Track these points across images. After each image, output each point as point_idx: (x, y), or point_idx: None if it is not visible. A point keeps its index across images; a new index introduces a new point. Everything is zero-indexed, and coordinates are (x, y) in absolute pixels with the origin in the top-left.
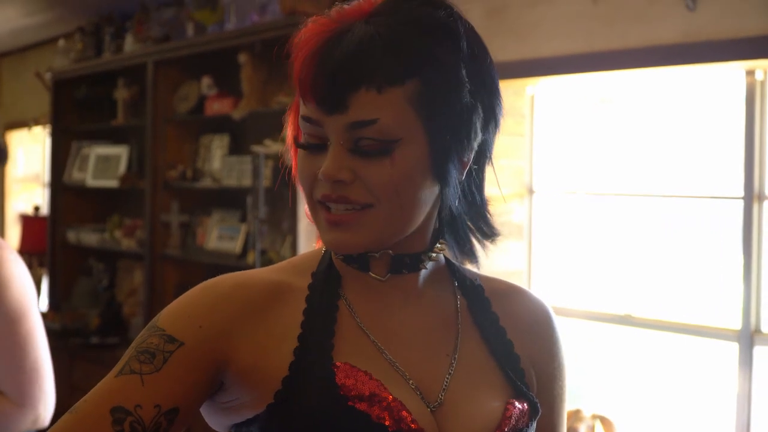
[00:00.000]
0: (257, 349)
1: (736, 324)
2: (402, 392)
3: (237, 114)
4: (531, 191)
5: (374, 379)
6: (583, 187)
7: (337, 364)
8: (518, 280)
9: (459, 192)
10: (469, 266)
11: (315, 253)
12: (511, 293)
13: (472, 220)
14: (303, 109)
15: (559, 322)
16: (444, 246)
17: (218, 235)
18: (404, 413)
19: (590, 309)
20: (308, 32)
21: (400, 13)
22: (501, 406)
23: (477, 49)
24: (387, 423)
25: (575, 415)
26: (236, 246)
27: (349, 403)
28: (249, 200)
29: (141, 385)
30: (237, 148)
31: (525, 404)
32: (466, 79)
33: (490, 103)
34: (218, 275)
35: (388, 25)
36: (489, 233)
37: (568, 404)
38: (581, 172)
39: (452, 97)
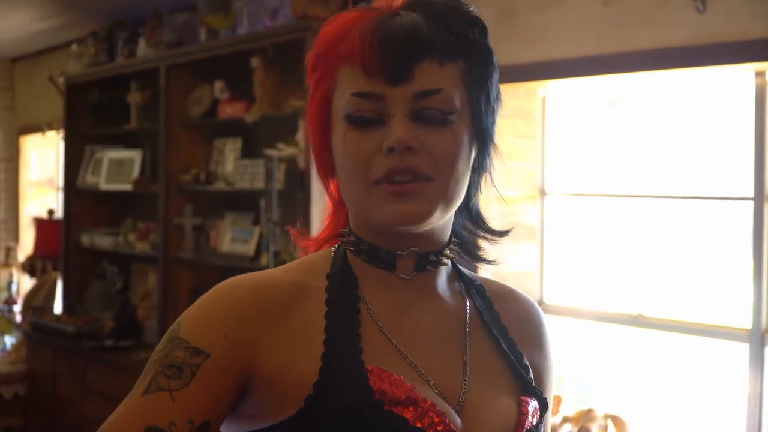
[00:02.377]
0: (283, 354)
1: (747, 324)
2: (429, 395)
3: (250, 117)
4: (543, 193)
5: (407, 383)
6: (595, 188)
7: (369, 368)
8: (530, 282)
9: (488, 177)
10: (476, 267)
11: (324, 254)
12: (506, 293)
13: (472, 219)
14: (358, 86)
15: (547, 321)
16: (457, 245)
17: (231, 237)
18: (440, 417)
19: (602, 310)
20: (348, 17)
21: (437, 4)
22: (515, 404)
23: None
24: (424, 426)
25: (587, 415)
26: (249, 248)
27: (386, 408)
28: (262, 203)
29: (171, 401)
30: (250, 151)
31: (535, 400)
32: (497, 67)
33: (500, 97)
34: (231, 276)
35: (432, 12)
36: (489, 231)
37: (581, 404)
38: (592, 174)
39: (490, 82)
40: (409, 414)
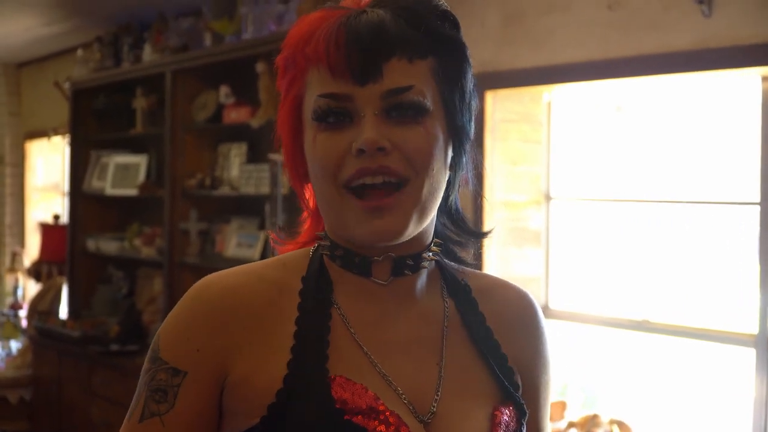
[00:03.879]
0: (252, 358)
1: (753, 329)
2: (395, 407)
3: (255, 122)
4: (548, 198)
5: (370, 392)
6: (600, 193)
7: (332, 376)
8: (536, 287)
9: (468, 175)
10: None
11: (304, 253)
12: (496, 288)
13: (453, 219)
14: (326, 87)
15: (544, 317)
16: (439, 246)
17: (237, 242)
18: (402, 427)
19: (607, 315)
20: (314, 17)
21: (405, 0)
22: (489, 415)
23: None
24: None
25: (593, 421)
26: (255, 253)
27: (346, 417)
28: (267, 208)
29: (162, 426)
30: (255, 156)
31: (511, 408)
32: (471, 62)
33: (476, 93)
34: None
35: (401, 7)
36: (470, 231)
37: (587, 409)
38: (598, 179)
39: (463, 77)
40: (370, 424)
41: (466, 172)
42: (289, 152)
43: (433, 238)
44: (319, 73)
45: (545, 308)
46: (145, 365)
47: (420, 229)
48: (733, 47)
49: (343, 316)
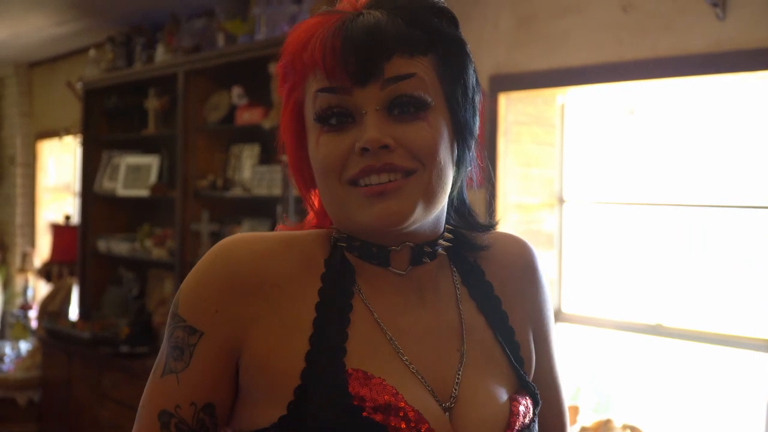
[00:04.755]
0: (270, 335)
1: (767, 334)
2: (417, 394)
3: (267, 124)
4: (561, 200)
5: (389, 387)
6: (614, 196)
7: (350, 371)
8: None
9: (471, 170)
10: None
11: (325, 234)
12: (496, 247)
13: (459, 212)
14: (326, 82)
15: (540, 260)
16: (451, 231)
17: None
18: (422, 425)
19: (621, 319)
20: (310, 23)
21: (400, 0)
22: (508, 402)
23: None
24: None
25: (606, 425)
26: None
27: (364, 414)
28: (279, 209)
29: (177, 384)
30: (267, 157)
31: (527, 398)
32: (472, 58)
33: (479, 88)
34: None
35: (398, 7)
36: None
37: (600, 414)
38: (611, 182)
39: (465, 73)
40: (389, 421)
41: (471, 167)
42: (294, 158)
43: (445, 228)
44: (319, 78)
45: (558, 312)
46: (168, 319)
47: (429, 217)
48: (748, 50)
49: (367, 303)
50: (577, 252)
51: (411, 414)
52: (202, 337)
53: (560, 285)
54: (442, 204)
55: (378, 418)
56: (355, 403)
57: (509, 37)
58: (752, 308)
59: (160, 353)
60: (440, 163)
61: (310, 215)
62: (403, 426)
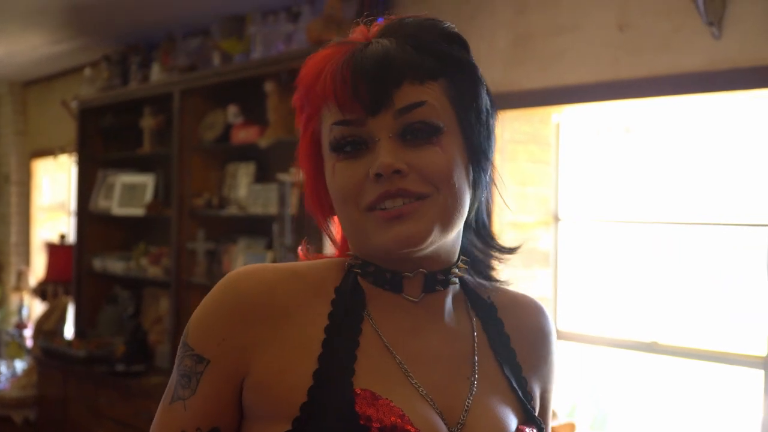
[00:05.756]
0: (278, 360)
1: (762, 351)
2: (425, 416)
3: (263, 142)
4: (557, 219)
5: (396, 408)
6: (609, 214)
7: (357, 391)
8: (544, 307)
9: (488, 193)
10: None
11: (338, 262)
12: (516, 304)
13: (480, 236)
14: (339, 115)
15: (553, 327)
16: (466, 263)
17: (244, 262)
18: None
19: (616, 336)
20: (322, 55)
21: (410, 26)
22: (515, 431)
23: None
24: None
25: None
26: None
27: None
28: (275, 228)
29: (184, 411)
30: (263, 176)
31: (534, 429)
32: (484, 81)
33: (494, 110)
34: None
35: (407, 34)
36: (498, 248)
37: (596, 431)
38: (607, 200)
39: (478, 96)
40: None
41: (488, 190)
42: (312, 189)
43: (459, 256)
44: (332, 110)
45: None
46: (179, 347)
47: (445, 240)
48: (744, 69)
49: (376, 328)
50: (573, 270)
51: None
52: (209, 365)
53: (556, 303)
54: (459, 227)
55: None
56: (362, 422)
57: (505, 56)
58: (747, 325)
59: (170, 381)
60: (454, 186)
61: (334, 248)
62: None
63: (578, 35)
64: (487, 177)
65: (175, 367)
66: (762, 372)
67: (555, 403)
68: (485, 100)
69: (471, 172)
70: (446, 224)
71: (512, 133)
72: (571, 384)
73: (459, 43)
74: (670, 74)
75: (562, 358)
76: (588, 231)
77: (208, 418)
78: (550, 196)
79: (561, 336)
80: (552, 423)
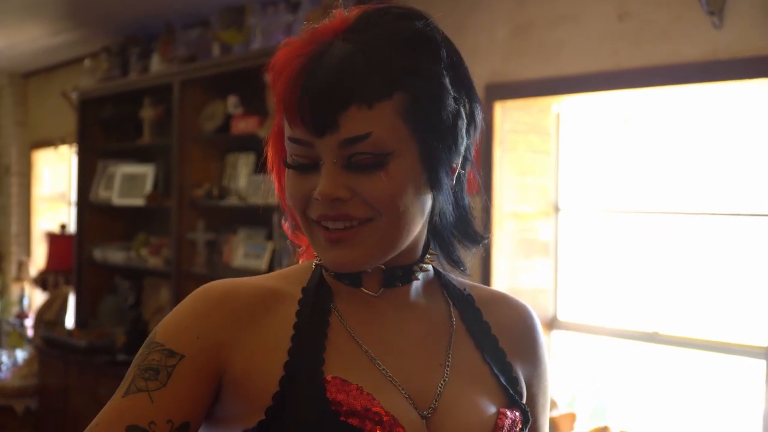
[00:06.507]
0: (249, 358)
1: (764, 341)
2: (394, 401)
3: (263, 133)
4: (557, 209)
5: (366, 393)
6: (609, 204)
7: (328, 378)
8: (544, 298)
9: (451, 198)
10: (459, 275)
11: (305, 266)
12: (496, 300)
13: (458, 227)
14: (290, 131)
15: (540, 325)
16: (433, 257)
17: (244, 252)
18: (396, 428)
19: (617, 327)
20: (284, 56)
21: (378, 26)
22: (494, 415)
23: (454, 56)
24: None
25: None
26: (262, 264)
27: (341, 419)
28: (275, 218)
29: (150, 402)
30: (263, 166)
31: (517, 413)
32: (449, 87)
33: (471, 108)
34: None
35: (367, 41)
36: (475, 238)
37: (596, 421)
38: (607, 190)
39: (439, 106)
40: (365, 425)
41: (460, 185)
42: (278, 171)
43: (427, 249)
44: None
45: (554, 319)
46: (137, 354)
47: (389, 257)
48: (744, 58)
49: (342, 318)
50: (573, 260)
51: (386, 418)
52: (183, 359)
53: (556, 293)
54: (405, 244)
55: (354, 422)
56: (333, 408)
57: (505, 46)
58: (748, 316)
59: (124, 379)
60: (399, 209)
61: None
62: (378, 430)
63: (578, 25)
64: (453, 179)
65: (132, 366)
66: (764, 362)
67: (553, 395)
68: (449, 105)
69: (430, 181)
70: (389, 247)
71: (512, 123)
72: (571, 374)
73: (432, 44)
74: (670, 64)
75: (563, 348)
76: (588, 221)
77: (180, 411)
78: (550, 187)
79: (561, 326)
80: (552, 413)
